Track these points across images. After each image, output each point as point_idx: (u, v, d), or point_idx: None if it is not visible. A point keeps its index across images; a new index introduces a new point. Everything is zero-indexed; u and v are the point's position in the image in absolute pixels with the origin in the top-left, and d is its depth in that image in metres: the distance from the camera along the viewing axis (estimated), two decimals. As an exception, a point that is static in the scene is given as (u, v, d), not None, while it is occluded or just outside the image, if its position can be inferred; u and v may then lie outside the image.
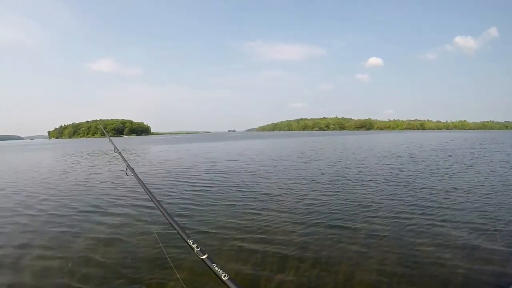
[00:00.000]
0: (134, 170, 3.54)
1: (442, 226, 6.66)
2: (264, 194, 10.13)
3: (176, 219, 2.18)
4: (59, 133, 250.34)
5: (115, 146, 4.56)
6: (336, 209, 8.07)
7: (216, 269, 1.61)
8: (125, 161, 3.78)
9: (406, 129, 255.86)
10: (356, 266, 4.87)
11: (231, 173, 15.11)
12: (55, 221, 7.60)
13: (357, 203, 8.64)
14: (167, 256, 4.26)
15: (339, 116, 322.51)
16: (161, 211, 2.38)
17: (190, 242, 1.85)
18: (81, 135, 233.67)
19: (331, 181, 12.42)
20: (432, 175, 13.49)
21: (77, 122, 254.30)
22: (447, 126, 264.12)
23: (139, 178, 3.25)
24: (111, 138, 5.67)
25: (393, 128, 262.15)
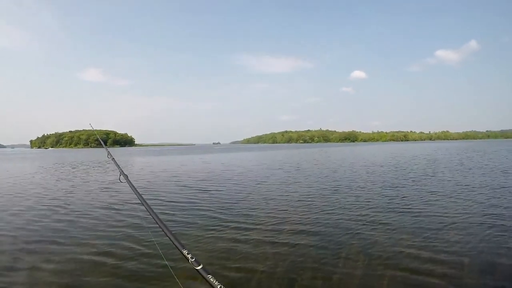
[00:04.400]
0: (127, 176, 3.40)
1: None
2: (255, 206, 10.15)
3: (170, 226, 2.10)
4: (41, 142, 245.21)
5: (108, 151, 4.47)
6: (322, 223, 8.03)
7: (212, 280, 1.58)
8: (119, 167, 3.65)
9: (390, 140, 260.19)
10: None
11: (224, 184, 15.22)
12: (46, 228, 7.50)
13: (347, 218, 8.61)
14: (168, 264, 4.17)
15: (324, 129, 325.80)
16: (156, 221, 2.31)
17: (185, 252, 1.82)
18: (63, 145, 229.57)
19: (317, 191, 12.58)
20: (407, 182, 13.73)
21: (60, 132, 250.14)
22: (430, 137, 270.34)
23: (133, 185, 3.13)
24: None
25: (377, 140, 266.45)
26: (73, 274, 4.98)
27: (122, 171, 3.49)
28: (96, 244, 6.41)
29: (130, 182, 3.24)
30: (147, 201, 2.55)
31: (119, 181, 3.46)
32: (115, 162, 3.93)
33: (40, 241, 6.81)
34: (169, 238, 2.01)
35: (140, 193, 2.92)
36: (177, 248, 1.89)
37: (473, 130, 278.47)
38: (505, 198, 10.48)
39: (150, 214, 2.43)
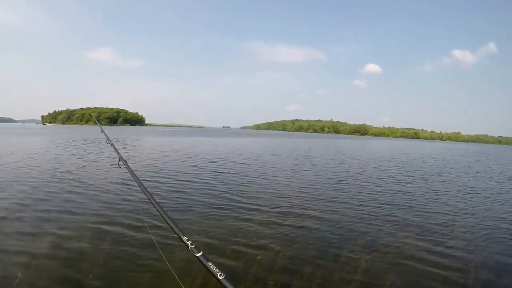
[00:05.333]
0: (127, 162, 3.41)
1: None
2: (263, 191, 10.22)
3: (169, 213, 2.07)
4: (53, 118, 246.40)
5: (107, 137, 4.41)
6: (325, 213, 8.06)
7: (212, 267, 1.54)
8: (118, 152, 3.64)
9: (401, 137, 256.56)
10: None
11: (231, 169, 15.17)
12: (41, 213, 7.35)
13: (352, 209, 8.62)
14: (161, 252, 4.18)
15: (335, 120, 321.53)
16: (154, 206, 2.25)
17: (185, 238, 1.77)
18: (74, 121, 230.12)
19: (326, 182, 12.51)
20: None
21: (71, 109, 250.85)
22: (441, 137, 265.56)
23: (132, 171, 3.12)
24: (103, 128, 5.49)
25: (388, 135, 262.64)
26: (60, 256, 5.02)
27: (121, 156, 3.48)
28: (84, 226, 6.37)
29: (129, 168, 3.22)
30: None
31: (118, 166, 3.44)
32: (114, 147, 3.88)
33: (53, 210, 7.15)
34: (169, 224, 1.96)
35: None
36: (177, 234, 1.85)
37: (485, 134, 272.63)
38: (508, 204, 10.62)
39: (149, 199, 2.39)
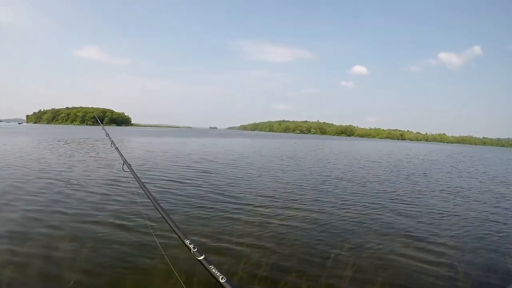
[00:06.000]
0: (131, 166, 3.46)
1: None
2: (251, 190, 10.33)
3: (172, 216, 2.12)
4: (38, 118, 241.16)
5: (112, 140, 4.42)
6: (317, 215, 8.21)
7: (214, 270, 1.54)
8: (122, 156, 3.70)
9: (387, 138, 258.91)
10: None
11: (219, 169, 15.25)
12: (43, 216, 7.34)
13: (338, 208, 8.80)
14: (164, 254, 4.22)
15: (321, 121, 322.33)
16: (157, 209, 2.29)
17: (187, 242, 1.80)
18: (60, 121, 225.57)
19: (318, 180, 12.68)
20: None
21: (56, 108, 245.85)
22: (426, 138, 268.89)
23: (136, 175, 3.15)
24: (102, 128, 5.52)
25: (374, 136, 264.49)
26: (62, 257, 5.07)
27: (126, 160, 3.53)
28: (88, 228, 6.39)
29: (134, 172, 3.26)
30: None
31: (122, 170, 3.48)
32: (119, 151, 3.92)
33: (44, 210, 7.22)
34: (171, 226, 2.00)
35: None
36: (179, 237, 1.88)
37: (470, 135, 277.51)
38: (490, 202, 11.07)
39: (152, 203, 2.43)
